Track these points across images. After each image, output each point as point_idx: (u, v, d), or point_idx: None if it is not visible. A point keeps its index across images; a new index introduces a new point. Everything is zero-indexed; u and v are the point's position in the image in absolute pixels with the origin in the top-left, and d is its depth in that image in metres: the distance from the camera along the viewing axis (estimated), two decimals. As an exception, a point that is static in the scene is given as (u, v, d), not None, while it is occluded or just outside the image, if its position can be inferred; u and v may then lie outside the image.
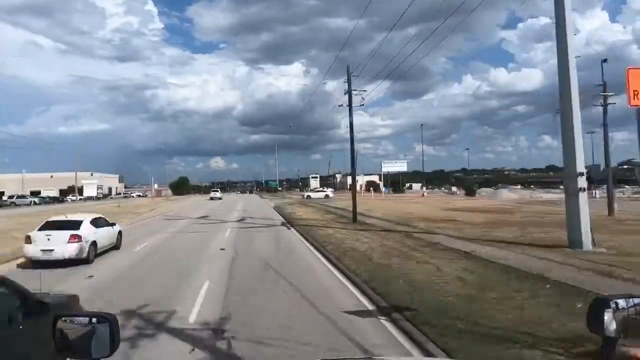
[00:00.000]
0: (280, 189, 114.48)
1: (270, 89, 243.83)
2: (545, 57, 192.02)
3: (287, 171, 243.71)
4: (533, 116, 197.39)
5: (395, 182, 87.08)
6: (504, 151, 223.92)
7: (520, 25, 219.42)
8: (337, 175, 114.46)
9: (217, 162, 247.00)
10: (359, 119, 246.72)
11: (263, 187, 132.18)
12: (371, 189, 66.68)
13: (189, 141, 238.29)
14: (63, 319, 1.77)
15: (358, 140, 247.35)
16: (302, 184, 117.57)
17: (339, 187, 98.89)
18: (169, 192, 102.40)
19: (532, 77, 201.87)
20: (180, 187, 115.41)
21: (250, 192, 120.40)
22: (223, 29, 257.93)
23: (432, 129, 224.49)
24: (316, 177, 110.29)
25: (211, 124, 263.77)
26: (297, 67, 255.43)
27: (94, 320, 1.72)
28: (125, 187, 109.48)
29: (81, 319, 1.79)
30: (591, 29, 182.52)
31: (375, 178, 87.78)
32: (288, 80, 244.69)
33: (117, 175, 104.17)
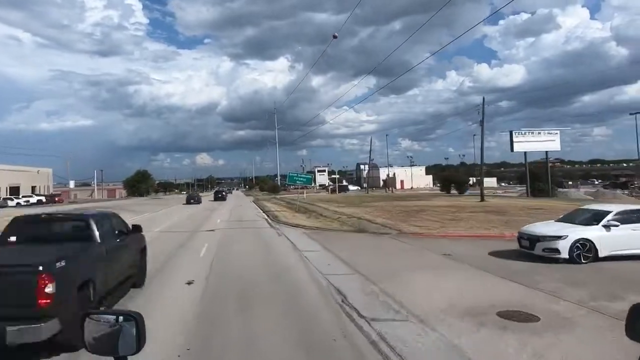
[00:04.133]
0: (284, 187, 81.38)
1: (256, 85, 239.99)
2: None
3: (274, 167, 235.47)
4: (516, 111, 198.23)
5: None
6: (489, 147, 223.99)
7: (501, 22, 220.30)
8: (364, 167, 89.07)
9: (203, 159, 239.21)
10: (345, 114, 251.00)
11: (254, 182, 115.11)
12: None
13: (173, 137, 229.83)
14: (91, 316, 1.76)
15: (342, 136, 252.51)
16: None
17: (368, 183, 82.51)
18: (124, 192, 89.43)
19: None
20: (139, 185, 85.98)
21: (230, 192, 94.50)
22: (207, 23, 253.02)
23: (417, 124, 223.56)
24: (323, 172, 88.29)
25: (196, 119, 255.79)
26: (282, 63, 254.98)
27: (120, 318, 1.72)
28: (75, 185, 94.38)
29: (108, 316, 1.76)
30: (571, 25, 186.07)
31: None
32: (274, 75, 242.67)
33: (49, 169, 76.74)
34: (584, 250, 8.98)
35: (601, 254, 8.97)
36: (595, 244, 9.00)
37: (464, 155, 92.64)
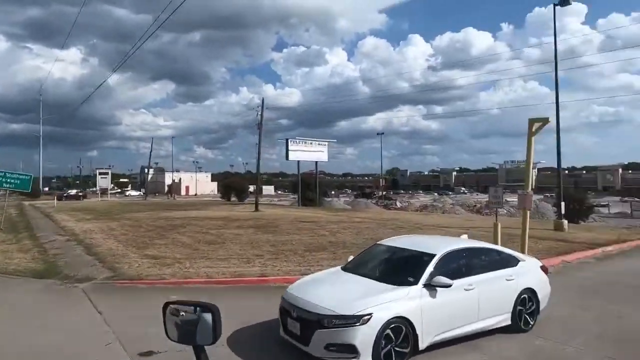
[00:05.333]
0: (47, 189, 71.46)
1: (40, 73, 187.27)
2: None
3: (58, 168, 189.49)
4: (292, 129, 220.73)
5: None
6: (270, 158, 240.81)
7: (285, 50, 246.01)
8: (149, 170, 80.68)
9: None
10: (142, 117, 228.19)
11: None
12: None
13: None
14: (172, 305, 1.83)
15: (138, 139, 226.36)
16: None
17: (150, 189, 74.95)
18: None
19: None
20: None
21: None
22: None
23: (210, 132, 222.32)
24: (106, 176, 72.84)
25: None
26: (74, 54, 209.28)
27: (198, 309, 1.76)
28: None
29: (188, 307, 1.80)
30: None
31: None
32: (64, 66, 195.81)
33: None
34: (398, 342, 4.83)
35: (423, 344, 5.01)
36: (415, 326, 4.92)
37: (247, 163, 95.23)
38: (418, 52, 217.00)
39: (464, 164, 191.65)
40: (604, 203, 47.14)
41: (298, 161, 45.63)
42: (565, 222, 18.67)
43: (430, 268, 5.32)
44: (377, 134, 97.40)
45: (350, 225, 19.17)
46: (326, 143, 49.00)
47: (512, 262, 6.27)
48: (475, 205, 39.93)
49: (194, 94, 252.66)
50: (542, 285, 6.35)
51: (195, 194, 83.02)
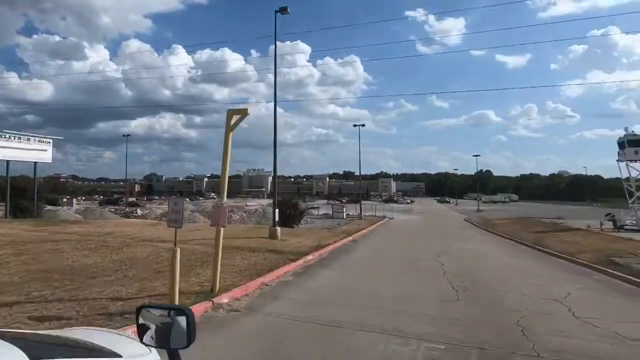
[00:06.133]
0: None
1: None
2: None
3: None
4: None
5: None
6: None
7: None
8: None
9: None
10: None
11: None
12: None
13: None
14: (145, 309, 1.81)
15: None
16: None
17: None
18: None
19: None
20: None
21: None
22: None
23: None
24: None
25: None
26: None
27: (172, 312, 1.76)
28: None
29: (161, 310, 1.81)
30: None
31: None
32: None
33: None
34: None
35: None
36: None
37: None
38: (180, 62, 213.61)
39: (217, 171, 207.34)
40: (316, 206, 55.57)
41: (7, 161, 35.77)
42: (279, 229, 19.69)
43: None
44: (123, 135, 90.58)
45: (37, 247, 14.97)
46: (50, 141, 40.03)
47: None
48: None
49: None
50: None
51: None
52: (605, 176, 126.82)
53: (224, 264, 11.19)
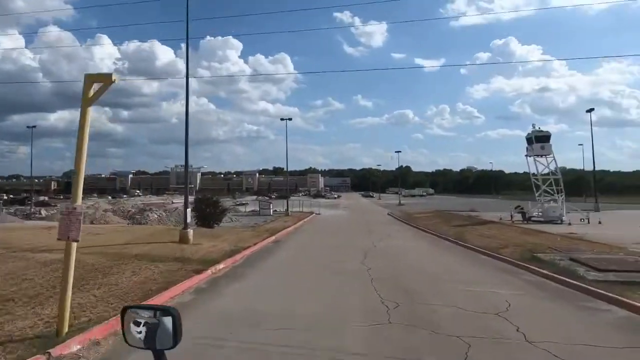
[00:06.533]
0: None
1: None
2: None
3: None
4: None
5: None
6: None
7: None
8: None
9: None
10: None
11: None
12: None
13: None
14: (130, 310, 1.75)
15: None
16: None
17: None
18: None
19: None
20: None
21: None
22: None
23: None
24: None
25: None
26: None
27: (158, 312, 1.70)
28: None
29: (147, 311, 1.73)
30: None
31: None
32: None
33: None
34: None
35: None
36: None
37: None
38: (105, 53, 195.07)
39: (143, 167, 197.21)
40: (245, 202, 53.37)
41: None
42: (191, 231, 17.36)
43: None
44: (27, 126, 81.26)
45: None
46: None
47: None
48: (129, 211, 36.00)
49: None
50: None
51: None
52: (507, 171, 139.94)
53: (106, 282, 8.88)
